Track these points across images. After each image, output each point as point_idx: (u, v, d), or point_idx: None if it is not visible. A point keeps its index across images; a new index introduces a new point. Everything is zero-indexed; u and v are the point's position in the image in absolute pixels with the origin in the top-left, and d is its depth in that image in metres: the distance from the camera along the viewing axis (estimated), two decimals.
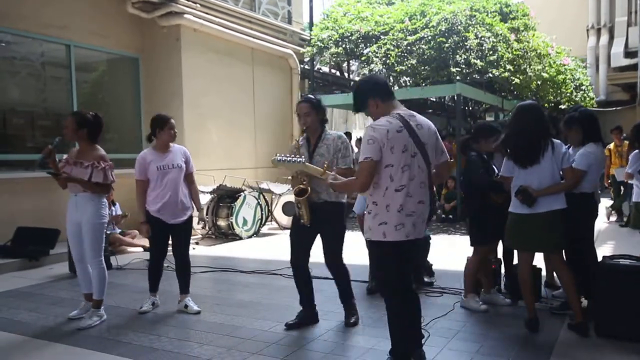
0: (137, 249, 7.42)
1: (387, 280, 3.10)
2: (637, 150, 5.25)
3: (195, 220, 4.89)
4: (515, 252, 4.28)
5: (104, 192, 4.32)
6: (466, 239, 4.68)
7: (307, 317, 4.13)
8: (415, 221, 2.94)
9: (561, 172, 3.81)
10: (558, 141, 3.83)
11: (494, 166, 4.47)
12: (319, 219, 3.89)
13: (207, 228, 8.45)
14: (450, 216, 9.73)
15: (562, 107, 13.07)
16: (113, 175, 4.30)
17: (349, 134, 11.92)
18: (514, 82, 9.94)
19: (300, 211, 3.89)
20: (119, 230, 7.51)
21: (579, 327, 3.76)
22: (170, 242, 4.66)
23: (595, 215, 4.31)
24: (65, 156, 4.31)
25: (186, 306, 4.56)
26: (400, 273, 3.03)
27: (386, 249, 2.95)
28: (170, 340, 3.87)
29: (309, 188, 3.81)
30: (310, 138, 3.99)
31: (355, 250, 5.26)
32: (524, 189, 3.72)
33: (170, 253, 4.69)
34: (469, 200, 4.53)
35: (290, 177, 4.08)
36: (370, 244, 3.06)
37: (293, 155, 3.60)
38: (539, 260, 4.17)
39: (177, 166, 4.54)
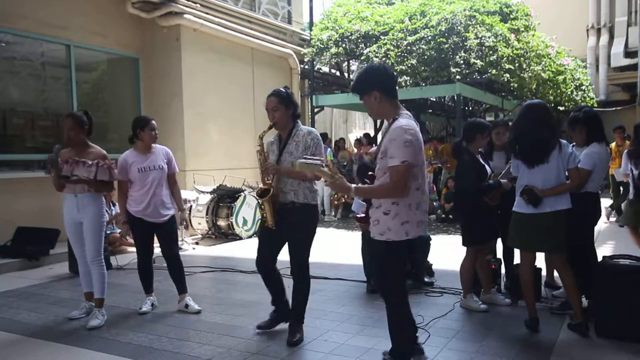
0: None
1: (396, 280, 3.07)
2: (625, 150, 5.28)
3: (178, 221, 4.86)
4: (517, 251, 4.28)
5: (107, 190, 4.39)
6: None
7: (279, 316, 3.99)
8: (426, 217, 3.06)
9: (566, 173, 3.81)
10: (564, 141, 3.84)
11: (487, 166, 4.47)
12: (285, 221, 3.68)
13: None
14: (450, 216, 9.73)
15: (561, 108, 13.06)
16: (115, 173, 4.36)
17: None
18: (513, 81, 9.95)
19: (264, 212, 3.71)
20: (119, 230, 7.50)
21: (579, 327, 3.76)
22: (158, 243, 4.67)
23: (598, 215, 4.32)
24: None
25: (187, 305, 4.56)
26: (404, 272, 3.10)
27: (403, 247, 2.96)
28: (170, 340, 3.87)
29: (272, 188, 3.65)
30: (282, 134, 3.78)
31: (354, 250, 5.27)
32: (530, 188, 3.71)
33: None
34: (461, 201, 4.53)
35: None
36: (387, 245, 2.96)
37: (313, 158, 3.21)
38: (538, 260, 4.17)
39: (159, 167, 4.54)
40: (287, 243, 3.79)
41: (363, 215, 3.28)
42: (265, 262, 3.88)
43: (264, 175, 3.72)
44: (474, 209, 4.35)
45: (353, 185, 2.97)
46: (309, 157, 3.20)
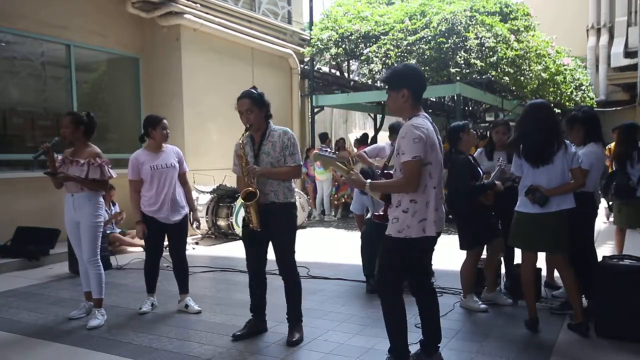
0: (137, 249, 7.41)
1: (400, 277, 3.10)
2: None
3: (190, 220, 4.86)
4: (517, 251, 4.28)
5: (101, 188, 4.35)
6: None
7: (257, 325, 3.95)
8: (442, 216, 3.06)
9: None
10: (568, 141, 3.83)
11: (479, 169, 4.45)
12: (267, 221, 3.68)
13: (201, 228, 8.41)
14: (450, 216, 9.70)
15: (557, 110, 13.07)
16: (111, 171, 4.31)
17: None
18: (513, 82, 9.95)
19: (249, 215, 3.69)
20: (118, 230, 7.50)
21: (579, 327, 3.76)
22: (166, 242, 4.66)
23: (595, 214, 4.34)
24: (59, 157, 4.30)
25: (187, 306, 4.56)
26: (410, 268, 3.11)
27: (419, 245, 2.99)
28: (170, 340, 3.87)
29: (258, 191, 3.63)
30: (254, 136, 3.75)
31: (354, 250, 5.26)
32: (535, 188, 3.71)
33: (167, 253, 4.69)
34: (456, 203, 4.51)
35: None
36: (405, 242, 2.97)
37: (330, 151, 3.24)
38: (538, 259, 4.17)
39: (171, 166, 4.54)
40: (271, 244, 3.80)
41: (382, 213, 3.28)
42: (256, 265, 3.88)
43: (248, 178, 3.69)
44: (469, 210, 4.33)
45: (368, 181, 3.03)
46: (324, 149, 3.23)
